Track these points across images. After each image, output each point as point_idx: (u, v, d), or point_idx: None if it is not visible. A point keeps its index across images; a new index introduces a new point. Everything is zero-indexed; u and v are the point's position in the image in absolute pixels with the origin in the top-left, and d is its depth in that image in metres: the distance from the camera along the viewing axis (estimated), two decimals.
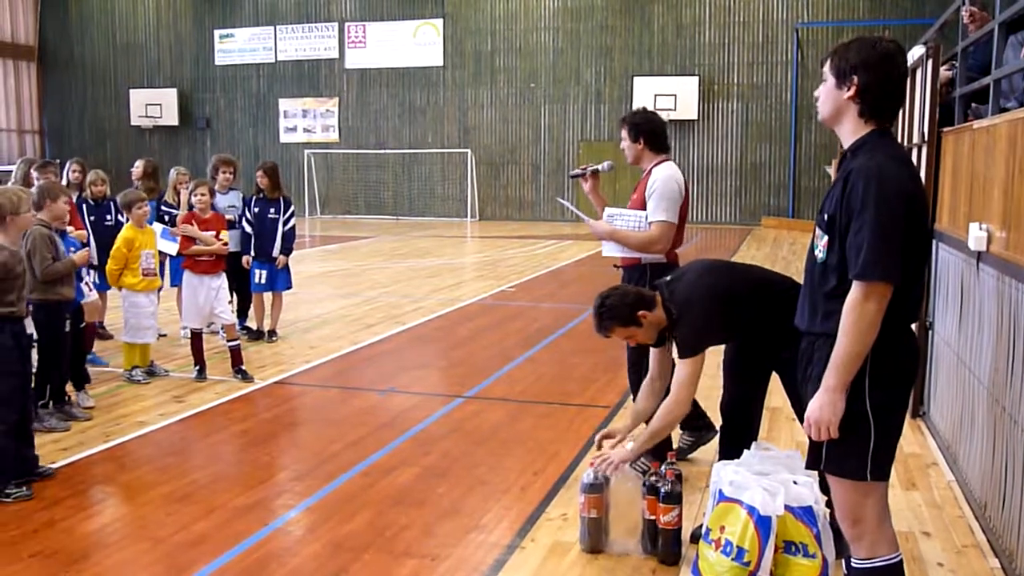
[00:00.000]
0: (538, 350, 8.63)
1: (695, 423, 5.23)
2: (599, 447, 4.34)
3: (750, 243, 20.02)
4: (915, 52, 6.82)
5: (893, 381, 2.80)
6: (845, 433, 2.77)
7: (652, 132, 5.05)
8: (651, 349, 4.35)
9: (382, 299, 11.80)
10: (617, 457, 4.11)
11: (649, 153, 5.06)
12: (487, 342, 9.06)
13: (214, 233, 7.44)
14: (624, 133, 5.08)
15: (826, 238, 2.80)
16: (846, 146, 2.86)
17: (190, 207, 7.80)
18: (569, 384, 7.28)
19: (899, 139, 7.46)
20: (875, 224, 2.63)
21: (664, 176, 4.93)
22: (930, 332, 6.08)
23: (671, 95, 25.42)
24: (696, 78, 25.67)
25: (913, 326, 2.95)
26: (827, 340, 2.76)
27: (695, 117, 25.68)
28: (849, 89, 2.80)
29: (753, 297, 4.07)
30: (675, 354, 4.18)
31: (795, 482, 3.60)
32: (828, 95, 2.87)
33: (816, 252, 2.86)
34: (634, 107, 25.37)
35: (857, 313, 2.67)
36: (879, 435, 2.78)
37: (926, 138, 6.13)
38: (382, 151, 29.18)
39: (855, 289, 2.68)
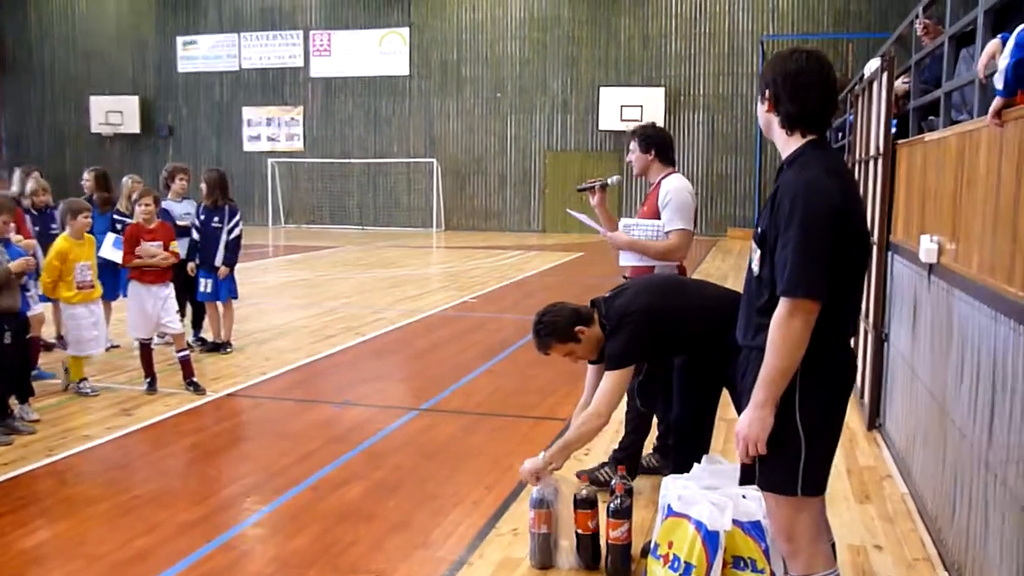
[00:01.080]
0: (497, 362, 8.59)
1: (629, 462, 5.16)
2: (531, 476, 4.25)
3: (715, 254, 20.13)
4: (871, 64, 6.88)
5: (824, 396, 2.79)
6: (775, 448, 2.76)
7: (663, 144, 5.18)
8: (588, 369, 4.33)
9: (343, 310, 11.72)
10: (528, 468, 4.08)
11: (658, 165, 5.18)
12: (446, 354, 9.01)
13: (160, 244, 7.32)
14: (634, 145, 5.19)
15: (759, 252, 2.80)
16: (783, 158, 2.87)
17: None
18: (527, 396, 7.25)
19: (858, 151, 7.53)
20: (799, 241, 2.63)
21: (676, 187, 5.04)
22: (886, 344, 6.11)
23: (637, 106, 25.54)
24: (662, 89, 25.82)
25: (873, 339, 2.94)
26: (759, 354, 2.76)
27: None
28: (767, 104, 2.85)
29: (696, 317, 4.07)
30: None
31: (744, 496, 3.58)
32: (759, 111, 2.94)
33: (752, 266, 2.85)
34: (601, 117, 25.80)
35: (783, 329, 2.66)
36: (810, 450, 2.77)
37: (881, 150, 6.17)
38: (347, 160, 29.07)
39: (781, 306, 2.67)
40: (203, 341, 9.02)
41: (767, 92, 2.84)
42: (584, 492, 4.06)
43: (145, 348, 7.32)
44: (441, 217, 28.14)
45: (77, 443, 5.96)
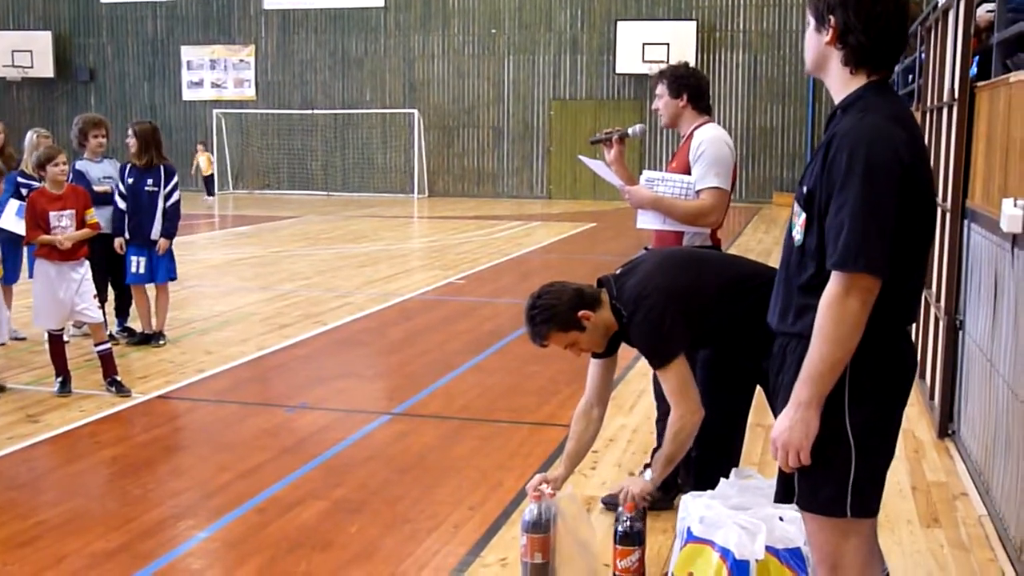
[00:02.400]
0: (488, 356, 8.59)
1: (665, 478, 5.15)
2: (535, 491, 4.23)
3: (757, 225, 20.12)
4: None
5: (880, 396, 2.76)
6: (819, 459, 2.72)
7: (698, 88, 5.16)
8: (591, 363, 4.30)
9: (301, 293, 11.73)
10: (637, 489, 4.05)
11: (691, 113, 5.17)
12: (425, 347, 9.01)
13: (73, 213, 7.28)
14: (662, 89, 5.17)
15: (804, 216, 2.76)
16: (836, 103, 2.83)
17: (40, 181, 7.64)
18: (523, 398, 7.24)
19: (929, 97, 7.49)
20: (860, 202, 2.59)
21: (712, 137, 5.02)
22: (960, 332, 6.09)
23: (663, 44, 25.47)
24: (694, 23, 25.76)
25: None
26: (800, 342, 2.73)
27: None
28: (828, 33, 2.78)
29: (724, 300, 4.05)
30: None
31: (780, 518, 3.57)
32: (809, 42, 2.86)
33: (793, 233, 2.81)
34: (618, 58, 25.74)
35: (836, 311, 2.62)
36: (861, 462, 2.74)
37: (956, 96, 6.13)
38: (309, 112, 29.02)
39: (833, 282, 2.63)
40: (129, 332, 9.01)
41: (831, 17, 2.76)
42: (628, 522, 4.00)
43: (56, 341, 7.29)
44: (424, 181, 28.13)
45: None
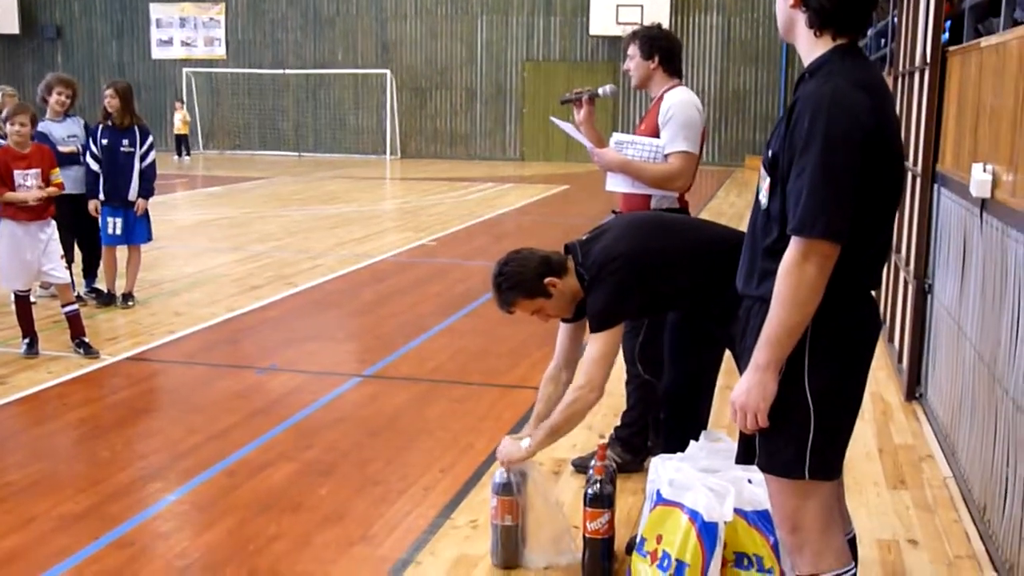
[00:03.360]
0: (459, 318, 8.59)
1: (635, 440, 5.16)
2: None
3: (729, 188, 20.15)
4: None
5: (839, 359, 2.78)
6: (778, 421, 2.75)
7: (670, 50, 5.15)
8: (560, 327, 4.31)
9: (272, 255, 11.70)
10: (505, 454, 4.06)
11: (662, 75, 5.15)
12: (397, 308, 9.01)
13: (38, 172, 7.19)
14: (634, 49, 5.14)
15: (769, 180, 2.77)
16: (804, 67, 2.82)
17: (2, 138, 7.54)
18: (494, 360, 7.25)
19: (902, 62, 7.49)
20: (819, 167, 2.59)
21: (681, 100, 5.01)
22: (929, 296, 6.13)
23: (637, 6, 25.39)
24: None
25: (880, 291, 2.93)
26: (763, 306, 2.74)
27: None
28: None
29: (691, 263, 4.05)
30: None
31: (749, 481, 3.59)
32: (778, 6, 2.87)
33: (759, 197, 2.82)
34: (592, 20, 25.63)
35: (794, 276, 2.63)
36: (820, 424, 2.76)
37: (928, 60, 6.13)
38: (280, 71, 28.77)
39: (792, 247, 2.65)
40: (97, 293, 8.95)
41: None
42: (598, 484, 4.00)
43: (22, 302, 7.23)
44: (396, 142, 28.00)
45: None
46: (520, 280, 4.04)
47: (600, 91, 5.30)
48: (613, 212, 5.22)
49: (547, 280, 4.03)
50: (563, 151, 25.90)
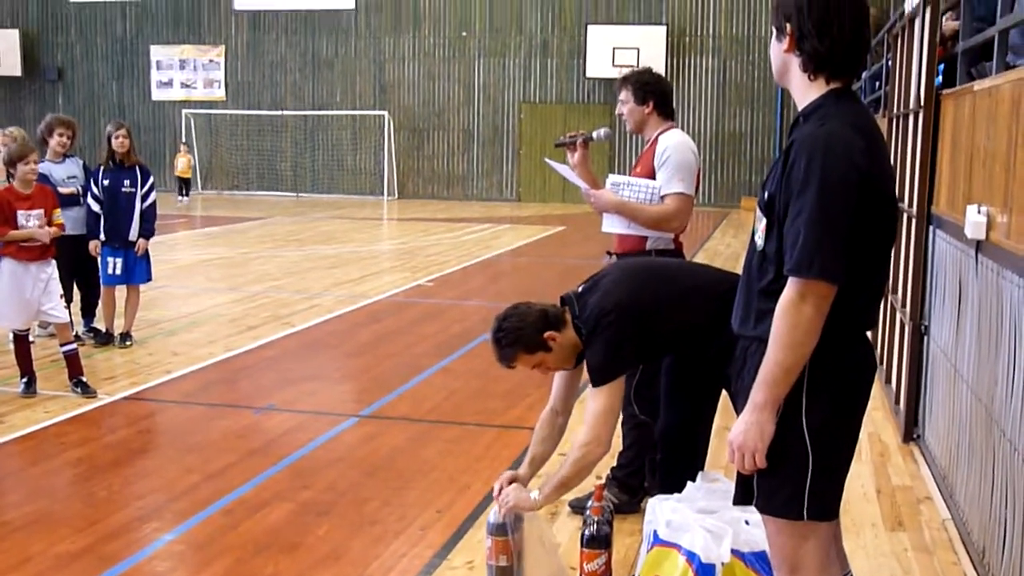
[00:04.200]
0: (456, 359, 8.58)
1: (632, 481, 5.15)
2: (498, 494, 4.22)
3: (725, 229, 20.20)
4: None
5: (837, 400, 2.79)
6: (776, 462, 2.75)
7: (663, 94, 5.21)
8: (556, 373, 4.30)
9: (269, 295, 11.69)
10: (511, 501, 4.04)
11: (656, 118, 5.20)
12: (393, 349, 9.00)
13: (41, 212, 7.22)
14: (627, 95, 5.20)
15: (765, 222, 2.79)
16: (799, 110, 2.85)
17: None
18: (491, 401, 7.24)
19: (896, 104, 7.54)
20: (815, 210, 2.62)
21: (677, 143, 5.06)
22: (925, 338, 6.14)
23: (633, 48, 25.54)
24: (664, 28, 25.85)
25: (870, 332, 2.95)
26: (760, 346, 2.75)
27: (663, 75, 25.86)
28: (786, 40, 2.82)
29: (687, 308, 4.06)
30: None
31: (746, 522, 3.58)
32: (773, 51, 2.90)
33: (755, 238, 2.84)
34: (588, 62, 25.78)
35: (791, 317, 2.65)
36: (818, 465, 2.76)
37: (922, 102, 6.18)
38: (279, 113, 28.90)
39: (789, 287, 2.67)
40: (95, 332, 8.94)
41: (788, 25, 2.81)
42: (595, 525, 3.99)
43: (21, 341, 7.23)
44: (394, 183, 28.08)
45: None
46: (520, 335, 4.04)
47: (594, 134, 5.33)
48: (608, 253, 5.24)
49: (547, 334, 4.03)
50: (559, 192, 25.97)
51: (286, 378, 7.91)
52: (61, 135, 8.74)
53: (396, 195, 27.97)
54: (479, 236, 18.79)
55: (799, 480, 2.77)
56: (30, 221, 7.15)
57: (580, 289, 4.19)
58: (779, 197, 2.74)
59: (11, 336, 7.45)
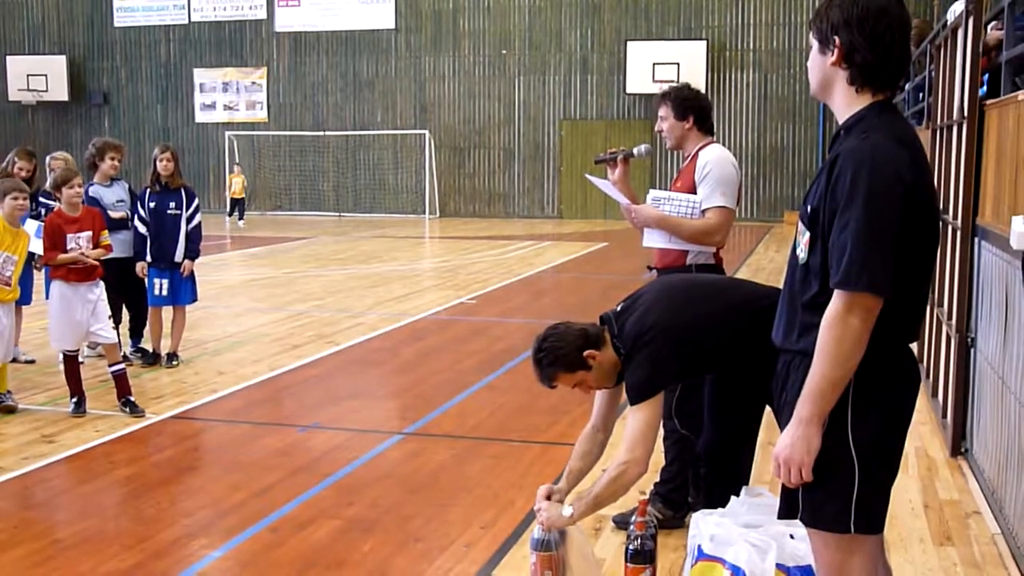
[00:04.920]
0: (499, 375, 8.60)
1: (675, 496, 5.13)
2: (538, 508, 4.23)
3: (768, 244, 20.10)
4: (955, 8, 6.84)
5: (883, 413, 2.78)
6: (822, 475, 2.75)
7: (702, 109, 5.24)
8: (598, 391, 4.31)
9: (313, 314, 11.76)
10: (547, 518, 4.05)
11: (697, 134, 5.23)
12: (437, 366, 9.02)
13: (89, 234, 7.34)
14: (666, 111, 5.23)
15: (808, 235, 2.79)
16: (840, 123, 2.86)
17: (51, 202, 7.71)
18: (534, 417, 7.24)
19: (939, 115, 7.50)
20: (862, 222, 2.62)
21: (717, 157, 5.08)
22: (972, 350, 6.08)
23: (673, 64, 25.54)
24: (704, 43, 25.82)
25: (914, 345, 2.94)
26: (804, 359, 2.75)
27: (702, 90, 25.79)
28: (833, 53, 2.81)
29: (728, 325, 4.05)
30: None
31: (791, 536, 3.57)
32: (813, 64, 2.90)
33: (797, 251, 2.84)
34: (628, 78, 25.78)
35: (838, 329, 2.65)
36: (865, 478, 2.76)
37: (966, 113, 6.14)
38: (321, 133, 29.12)
39: (836, 300, 2.67)
40: (143, 353, 9.05)
41: (836, 39, 2.80)
42: (639, 540, 3.99)
43: (71, 361, 7.33)
44: (435, 201, 28.18)
45: None
46: (560, 355, 4.06)
47: (635, 151, 5.35)
48: (648, 268, 5.25)
49: (586, 353, 4.05)
50: (601, 209, 25.97)
51: (330, 396, 7.96)
52: (113, 158, 8.87)
53: (438, 214, 28.08)
54: (521, 253, 18.82)
55: (846, 493, 2.76)
56: (79, 242, 7.28)
57: (619, 308, 4.20)
58: (823, 210, 2.74)
59: (61, 357, 7.56)
